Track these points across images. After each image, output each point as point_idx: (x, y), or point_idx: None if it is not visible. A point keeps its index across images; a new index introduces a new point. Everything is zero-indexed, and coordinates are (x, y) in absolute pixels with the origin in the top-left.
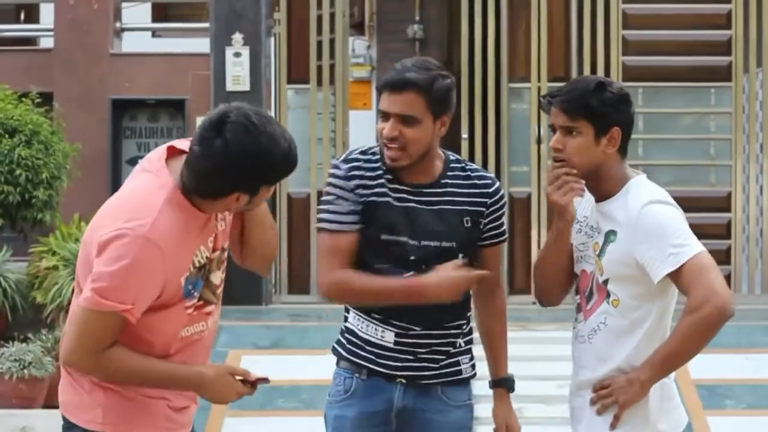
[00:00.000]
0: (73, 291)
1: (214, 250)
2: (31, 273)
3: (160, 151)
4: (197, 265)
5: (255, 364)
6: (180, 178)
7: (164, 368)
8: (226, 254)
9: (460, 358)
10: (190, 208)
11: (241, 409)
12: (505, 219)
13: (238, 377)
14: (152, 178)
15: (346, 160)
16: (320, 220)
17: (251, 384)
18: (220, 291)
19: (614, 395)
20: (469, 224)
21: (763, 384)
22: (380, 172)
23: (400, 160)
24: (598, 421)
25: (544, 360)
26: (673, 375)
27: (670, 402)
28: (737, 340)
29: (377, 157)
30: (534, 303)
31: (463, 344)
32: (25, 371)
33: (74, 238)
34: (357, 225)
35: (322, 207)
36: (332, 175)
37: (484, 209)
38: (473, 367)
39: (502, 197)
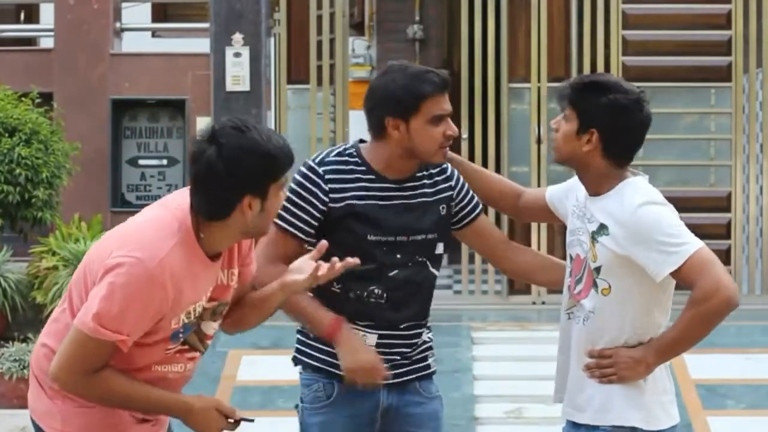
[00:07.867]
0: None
1: (211, 299)
2: (31, 273)
3: (183, 191)
4: (193, 313)
5: (255, 364)
6: (191, 207)
7: (153, 395)
8: (225, 309)
9: (428, 353)
10: (200, 253)
11: (240, 409)
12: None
13: (224, 413)
14: (169, 215)
15: (321, 162)
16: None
17: (235, 422)
18: (209, 342)
19: (616, 368)
20: (445, 211)
21: (763, 384)
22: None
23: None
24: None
25: (544, 360)
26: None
27: (665, 396)
28: (737, 340)
29: (355, 158)
30: (534, 303)
31: (427, 339)
32: (25, 371)
33: (74, 238)
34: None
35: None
36: (306, 175)
37: (451, 193)
38: (435, 362)
39: (457, 174)
